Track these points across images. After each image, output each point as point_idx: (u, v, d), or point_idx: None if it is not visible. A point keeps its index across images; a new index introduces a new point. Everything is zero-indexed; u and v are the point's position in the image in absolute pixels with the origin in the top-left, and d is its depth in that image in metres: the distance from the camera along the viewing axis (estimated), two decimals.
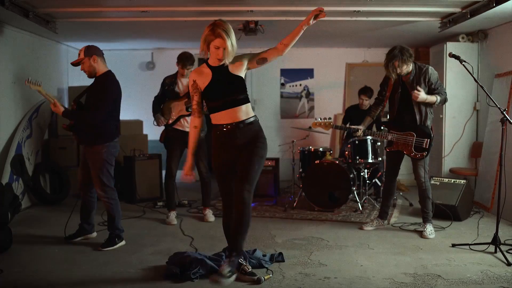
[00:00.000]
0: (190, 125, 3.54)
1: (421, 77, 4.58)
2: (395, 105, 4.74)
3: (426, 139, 4.61)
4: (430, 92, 4.58)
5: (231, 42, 3.22)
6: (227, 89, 3.33)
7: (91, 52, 4.25)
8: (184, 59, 5.17)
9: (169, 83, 5.31)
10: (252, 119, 3.42)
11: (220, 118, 3.37)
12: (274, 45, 3.64)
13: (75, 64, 4.30)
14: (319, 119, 5.14)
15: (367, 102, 6.38)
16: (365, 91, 6.41)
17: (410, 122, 4.67)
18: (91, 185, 4.40)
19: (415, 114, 4.64)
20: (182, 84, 5.26)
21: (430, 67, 4.63)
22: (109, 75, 4.38)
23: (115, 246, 4.30)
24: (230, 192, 3.45)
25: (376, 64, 8.05)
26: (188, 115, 5.05)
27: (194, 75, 3.42)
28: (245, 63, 3.42)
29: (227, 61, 3.30)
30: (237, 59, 3.38)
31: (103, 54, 4.42)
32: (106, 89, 4.27)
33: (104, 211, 5.53)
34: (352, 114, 6.53)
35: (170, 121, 5.24)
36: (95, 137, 4.22)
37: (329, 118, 5.14)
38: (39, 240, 4.58)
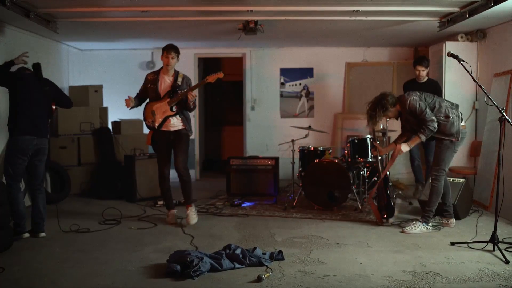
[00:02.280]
0: None
1: (404, 111, 4.70)
2: (402, 124, 5.00)
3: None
4: (417, 118, 4.63)
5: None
6: None
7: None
8: (169, 46, 5.08)
9: (151, 80, 5.14)
10: None
11: None
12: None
13: None
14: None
15: (424, 73, 5.89)
16: (421, 61, 5.88)
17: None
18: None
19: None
20: (165, 82, 5.09)
21: (409, 98, 4.62)
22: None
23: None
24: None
25: (375, 63, 8.08)
26: (175, 115, 5.03)
27: None
28: None
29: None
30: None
31: None
32: None
33: (106, 209, 5.57)
34: (409, 89, 5.74)
35: (157, 124, 5.08)
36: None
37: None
38: (40, 238, 4.60)
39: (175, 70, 5.16)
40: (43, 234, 4.67)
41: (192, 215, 5.10)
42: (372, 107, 4.72)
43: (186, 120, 5.09)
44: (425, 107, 4.58)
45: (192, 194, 5.30)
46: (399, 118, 4.93)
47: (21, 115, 4.51)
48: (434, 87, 5.83)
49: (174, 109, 5.01)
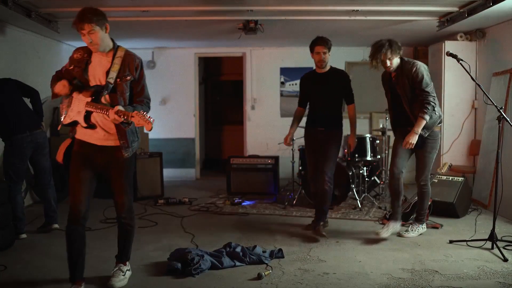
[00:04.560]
0: None
1: (404, 74, 4.19)
2: (389, 106, 4.55)
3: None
4: (413, 92, 4.20)
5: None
6: None
7: None
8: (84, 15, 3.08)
9: (78, 60, 3.17)
10: None
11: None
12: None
13: None
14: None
15: (327, 57, 4.60)
16: (321, 40, 4.59)
17: (406, 124, 4.32)
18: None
19: (409, 116, 4.29)
20: (95, 64, 3.16)
21: (419, 63, 4.20)
22: None
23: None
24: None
25: None
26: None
27: None
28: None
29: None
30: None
31: None
32: None
33: (107, 208, 5.61)
34: (306, 87, 4.84)
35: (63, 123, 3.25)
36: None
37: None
38: (42, 237, 4.63)
39: (113, 43, 3.26)
40: (56, 226, 4.79)
41: (120, 276, 3.42)
42: (383, 41, 4.18)
43: (125, 131, 3.15)
44: (431, 81, 4.19)
45: (131, 249, 3.63)
46: (387, 95, 4.49)
47: (3, 119, 4.54)
48: (343, 81, 4.69)
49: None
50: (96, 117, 3.11)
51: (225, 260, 3.71)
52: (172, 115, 8.35)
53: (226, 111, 10.26)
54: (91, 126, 3.11)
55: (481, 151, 6.09)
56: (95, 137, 3.18)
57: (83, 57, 3.17)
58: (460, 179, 5.43)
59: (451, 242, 4.33)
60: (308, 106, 4.82)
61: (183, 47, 8.27)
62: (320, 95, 4.64)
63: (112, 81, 3.08)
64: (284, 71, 8.30)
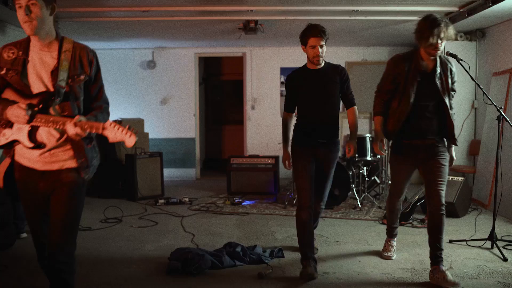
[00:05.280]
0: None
1: (447, 71, 3.40)
2: (406, 103, 3.37)
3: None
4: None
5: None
6: None
7: None
8: None
9: (11, 61, 2.37)
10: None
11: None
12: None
13: None
14: None
15: (324, 52, 3.65)
16: (316, 30, 3.59)
17: (427, 134, 3.43)
18: None
19: (438, 117, 3.41)
20: (36, 63, 2.35)
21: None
22: None
23: None
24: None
25: (375, 62, 8.10)
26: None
27: None
28: None
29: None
30: None
31: None
32: None
33: (107, 207, 5.60)
34: (297, 85, 3.83)
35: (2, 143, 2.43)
36: None
37: None
38: None
39: (57, 34, 2.41)
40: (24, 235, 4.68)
41: None
42: (437, 15, 3.23)
43: (82, 147, 2.43)
44: None
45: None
46: (408, 90, 3.36)
47: None
48: (342, 79, 3.72)
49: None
50: (42, 133, 2.35)
51: (226, 260, 3.72)
52: (172, 115, 8.36)
53: (226, 111, 10.27)
54: (38, 145, 2.34)
55: (481, 151, 6.10)
56: (34, 159, 2.38)
57: (18, 56, 2.36)
58: (460, 179, 5.44)
59: (451, 241, 4.34)
60: (299, 111, 3.77)
61: (183, 47, 8.28)
62: (315, 98, 3.61)
63: (63, 84, 2.31)
64: (284, 71, 8.31)
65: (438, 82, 3.34)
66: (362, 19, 5.68)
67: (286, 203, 5.98)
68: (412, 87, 3.34)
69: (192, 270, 3.51)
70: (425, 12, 5.46)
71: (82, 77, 2.38)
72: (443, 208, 3.46)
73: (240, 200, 6.23)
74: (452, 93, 3.43)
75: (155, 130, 8.16)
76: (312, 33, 3.54)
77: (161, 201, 6.19)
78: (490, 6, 4.77)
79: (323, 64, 3.69)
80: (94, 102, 2.47)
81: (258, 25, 5.88)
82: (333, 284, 3.36)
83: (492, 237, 4.10)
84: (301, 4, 5.14)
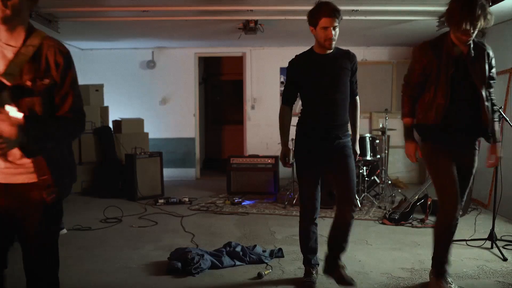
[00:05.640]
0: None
1: (485, 57, 3.05)
2: (442, 95, 2.95)
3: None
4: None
5: None
6: None
7: None
8: None
9: None
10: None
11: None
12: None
13: None
14: None
15: (337, 34, 3.09)
16: (330, 8, 3.06)
17: (469, 128, 3.05)
18: None
19: (476, 109, 3.00)
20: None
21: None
22: None
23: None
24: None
25: (375, 62, 8.10)
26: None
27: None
28: None
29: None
30: None
31: None
32: None
33: (107, 207, 5.60)
34: (301, 71, 3.33)
35: None
36: None
37: None
38: None
39: (30, 27, 2.01)
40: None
41: None
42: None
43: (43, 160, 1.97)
44: None
45: None
46: (443, 78, 2.94)
47: None
48: (353, 65, 3.23)
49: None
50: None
51: (225, 260, 3.72)
52: (172, 115, 8.36)
53: (226, 111, 10.27)
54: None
55: (481, 150, 6.08)
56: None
57: None
58: None
59: None
60: (301, 105, 3.31)
61: (183, 47, 8.29)
62: (326, 87, 3.13)
63: (10, 80, 1.88)
64: (284, 71, 8.28)
65: (474, 69, 2.94)
66: (362, 19, 5.68)
67: (286, 203, 5.98)
68: (447, 76, 2.91)
69: (192, 270, 3.51)
70: (425, 12, 5.48)
71: (46, 81, 1.96)
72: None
73: (240, 200, 6.23)
74: (491, 82, 3.10)
75: (155, 130, 8.17)
76: (324, 13, 3.02)
77: (161, 201, 6.19)
78: (490, 6, 4.77)
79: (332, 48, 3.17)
80: (61, 111, 2.01)
81: (258, 25, 5.89)
82: (333, 284, 3.36)
83: (492, 237, 4.10)
84: (301, 4, 5.13)
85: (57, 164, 2.00)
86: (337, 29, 3.06)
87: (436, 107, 2.97)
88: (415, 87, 3.12)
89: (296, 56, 3.26)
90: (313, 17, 3.09)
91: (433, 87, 2.98)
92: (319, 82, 3.14)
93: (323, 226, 4.98)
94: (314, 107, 3.21)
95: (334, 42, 3.08)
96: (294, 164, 3.35)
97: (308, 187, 3.26)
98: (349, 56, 3.21)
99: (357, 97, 3.35)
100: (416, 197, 5.16)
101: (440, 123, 2.98)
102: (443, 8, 5.34)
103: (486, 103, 3.01)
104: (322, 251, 4.11)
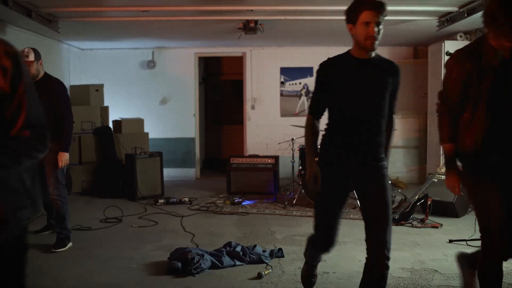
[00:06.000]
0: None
1: None
2: (484, 112, 2.43)
3: None
4: None
5: None
6: None
7: (39, 56, 4.17)
8: None
9: None
10: None
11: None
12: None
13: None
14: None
15: (381, 31, 2.53)
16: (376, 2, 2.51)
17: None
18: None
19: None
20: None
21: None
22: (58, 79, 4.34)
23: (66, 248, 4.20)
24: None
25: None
26: None
27: None
28: None
29: None
30: None
31: None
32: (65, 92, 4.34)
33: (107, 207, 5.59)
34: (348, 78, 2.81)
35: None
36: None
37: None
38: (42, 236, 4.64)
39: None
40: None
41: None
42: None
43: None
44: None
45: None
46: (483, 88, 2.42)
47: None
48: (396, 78, 2.69)
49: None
50: None
51: (225, 260, 3.72)
52: (172, 115, 8.36)
53: (226, 111, 10.27)
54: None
55: None
56: None
57: None
58: None
59: (450, 241, 4.35)
60: (332, 117, 2.66)
61: (183, 47, 8.29)
62: (364, 100, 2.56)
63: None
64: (284, 71, 8.31)
65: None
66: None
67: (286, 203, 5.98)
68: (488, 90, 2.41)
69: (192, 270, 3.51)
70: (425, 12, 5.48)
71: None
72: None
73: (240, 200, 6.23)
74: None
75: (155, 130, 8.16)
76: (366, 5, 2.47)
77: (161, 201, 6.19)
78: None
79: (374, 53, 2.59)
80: (15, 128, 1.58)
81: (258, 25, 5.88)
82: (333, 284, 3.37)
83: None
84: (301, 4, 5.13)
85: (13, 194, 1.62)
86: (381, 27, 2.49)
87: (477, 128, 2.45)
88: (455, 106, 2.57)
89: (329, 58, 2.68)
90: (353, 12, 2.53)
91: (471, 104, 2.48)
92: (355, 94, 2.55)
93: None
94: (346, 123, 2.59)
95: (377, 43, 2.49)
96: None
97: (327, 215, 2.71)
98: (393, 68, 2.64)
99: (395, 116, 2.79)
100: (416, 197, 5.16)
101: (481, 147, 2.45)
102: (443, 8, 5.35)
103: None
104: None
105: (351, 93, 2.56)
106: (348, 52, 2.65)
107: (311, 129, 2.72)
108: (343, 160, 2.61)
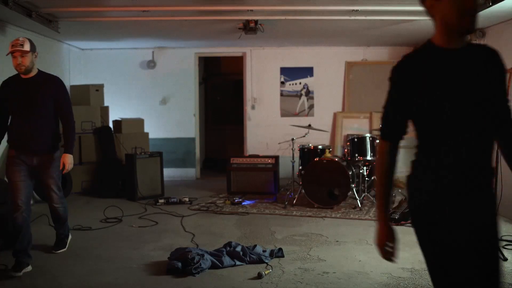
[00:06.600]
0: None
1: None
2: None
3: None
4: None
5: None
6: None
7: (35, 48, 3.87)
8: None
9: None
10: None
11: None
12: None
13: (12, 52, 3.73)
14: None
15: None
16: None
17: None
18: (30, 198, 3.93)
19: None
20: None
21: None
22: (57, 77, 4.06)
23: (66, 248, 4.19)
24: None
25: (375, 62, 8.10)
26: None
27: None
28: None
29: None
30: None
31: None
32: (67, 92, 4.10)
33: (107, 207, 5.59)
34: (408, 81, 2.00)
35: None
36: (53, 143, 3.93)
37: None
38: (42, 236, 4.64)
39: None
40: None
41: None
42: None
43: None
44: None
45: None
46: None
47: None
48: (500, 68, 1.90)
49: None
50: None
51: (225, 260, 3.72)
52: (172, 115, 8.36)
53: (226, 111, 10.27)
54: None
55: None
56: None
57: None
58: None
59: None
60: (420, 132, 1.85)
61: (183, 47, 8.29)
62: (464, 108, 1.76)
63: None
64: (284, 71, 8.31)
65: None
66: (362, 19, 5.68)
67: (286, 203, 5.98)
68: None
69: (192, 270, 3.51)
70: (425, 12, 5.47)
71: None
72: None
73: (240, 200, 6.23)
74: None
75: (155, 130, 8.16)
76: None
77: (161, 201, 6.19)
78: (490, 6, 4.76)
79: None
80: None
81: (258, 25, 5.88)
82: (333, 284, 3.37)
83: None
84: (301, 4, 5.13)
85: None
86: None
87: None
88: None
89: (406, 56, 1.92)
90: None
91: None
92: (452, 101, 1.76)
93: (323, 226, 4.99)
94: (445, 143, 1.78)
95: (476, 20, 1.76)
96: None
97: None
98: (493, 54, 1.89)
99: None
100: None
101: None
102: None
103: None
104: (324, 251, 4.11)
105: (443, 99, 1.76)
106: (429, 42, 1.88)
107: (384, 160, 1.94)
108: (446, 189, 1.79)
